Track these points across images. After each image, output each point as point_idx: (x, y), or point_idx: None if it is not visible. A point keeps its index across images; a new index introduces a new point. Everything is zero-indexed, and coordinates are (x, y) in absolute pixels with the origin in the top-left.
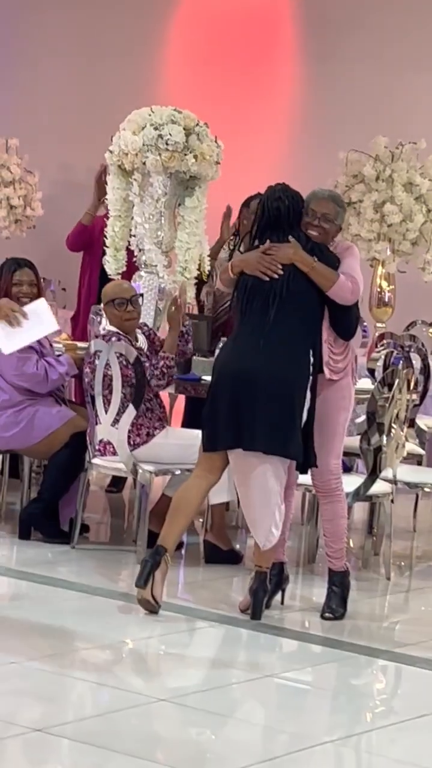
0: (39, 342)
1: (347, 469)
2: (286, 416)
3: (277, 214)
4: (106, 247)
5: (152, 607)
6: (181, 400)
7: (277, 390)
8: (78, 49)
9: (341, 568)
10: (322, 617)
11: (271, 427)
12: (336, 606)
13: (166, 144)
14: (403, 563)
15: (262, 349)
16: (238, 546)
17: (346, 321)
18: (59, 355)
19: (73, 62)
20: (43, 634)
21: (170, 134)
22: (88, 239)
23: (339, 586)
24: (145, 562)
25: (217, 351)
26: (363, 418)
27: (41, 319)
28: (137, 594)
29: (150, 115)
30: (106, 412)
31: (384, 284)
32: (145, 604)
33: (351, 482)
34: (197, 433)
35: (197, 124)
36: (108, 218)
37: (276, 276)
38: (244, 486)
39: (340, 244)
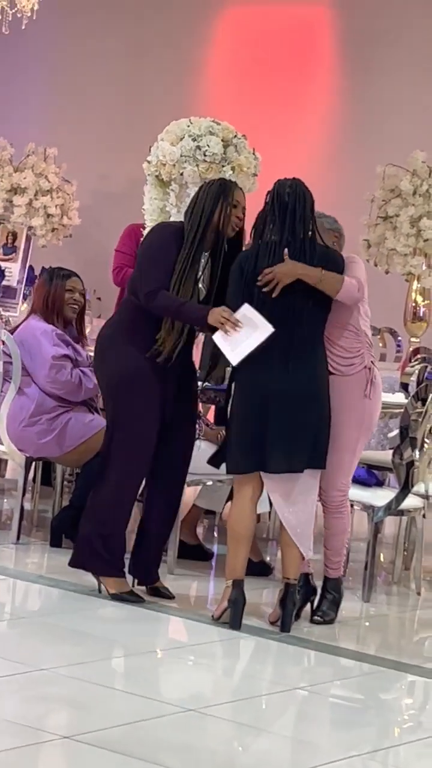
0: (74, 350)
1: (379, 483)
2: (325, 431)
3: (284, 205)
4: None
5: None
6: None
7: (314, 408)
8: (118, 60)
9: (337, 575)
10: (312, 621)
11: (315, 444)
12: (327, 609)
13: (204, 155)
14: None
15: (292, 369)
16: (268, 558)
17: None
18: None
19: (112, 73)
20: (73, 642)
21: (208, 145)
22: None
23: (332, 591)
24: (235, 603)
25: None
26: (396, 432)
27: (255, 323)
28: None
29: (188, 126)
30: None
31: (419, 299)
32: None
33: (383, 496)
34: None
35: (235, 136)
36: (145, 228)
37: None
38: (289, 503)
39: (350, 261)
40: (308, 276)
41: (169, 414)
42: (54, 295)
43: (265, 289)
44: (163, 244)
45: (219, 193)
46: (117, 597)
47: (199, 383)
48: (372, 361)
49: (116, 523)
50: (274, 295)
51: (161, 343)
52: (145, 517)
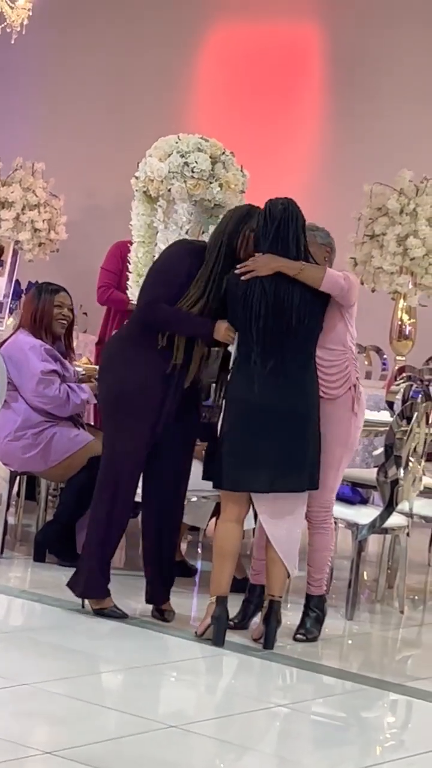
0: (62, 365)
1: (363, 501)
2: (316, 450)
3: (277, 224)
4: (129, 272)
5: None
6: None
7: (305, 428)
8: (108, 76)
9: (320, 593)
10: (295, 639)
11: (310, 464)
12: (310, 626)
13: (192, 171)
14: (416, 597)
15: (285, 385)
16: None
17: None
18: (80, 381)
19: (102, 89)
20: (56, 657)
21: (196, 162)
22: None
23: (315, 609)
24: (218, 620)
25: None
26: (381, 450)
27: None
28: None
29: (177, 142)
30: None
31: (405, 317)
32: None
33: (367, 514)
34: None
35: (223, 153)
36: (132, 244)
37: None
38: (278, 522)
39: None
40: (288, 267)
41: (169, 430)
42: (43, 311)
43: (243, 278)
44: (174, 260)
45: (242, 217)
46: (99, 612)
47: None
48: (357, 377)
49: (105, 542)
50: (243, 278)
51: (193, 367)
52: (143, 536)
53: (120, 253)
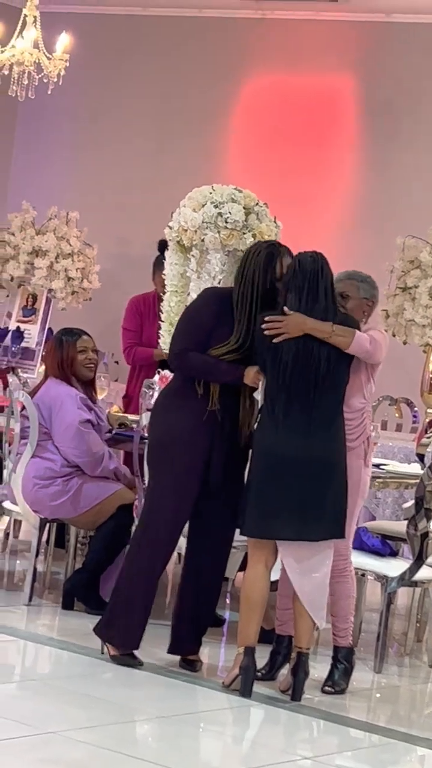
0: (96, 414)
1: (393, 553)
2: (343, 499)
3: (307, 277)
4: (162, 321)
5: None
6: None
7: (332, 477)
8: (143, 126)
9: (347, 644)
10: (323, 691)
11: (333, 513)
12: (338, 679)
13: (226, 222)
14: None
15: (312, 434)
16: None
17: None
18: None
19: (136, 138)
20: (82, 705)
21: (230, 212)
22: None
23: (343, 661)
24: (246, 671)
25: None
26: (411, 503)
27: None
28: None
29: (210, 193)
30: None
31: None
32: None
33: (396, 567)
34: None
35: (257, 204)
36: (160, 295)
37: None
38: (304, 572)
39: (370, 329)
40: (319, 330)
41: (217, 481)
42: (67, 357)
43: (275, 341)
44: (201, 307)
45: (266, 265)
46: (116, 659)
47: None
48: (370, 429)
49: (145, 594)
50: (275, 341)
51: (245, 424)
52: (181, 585)
53: (137, 309)
